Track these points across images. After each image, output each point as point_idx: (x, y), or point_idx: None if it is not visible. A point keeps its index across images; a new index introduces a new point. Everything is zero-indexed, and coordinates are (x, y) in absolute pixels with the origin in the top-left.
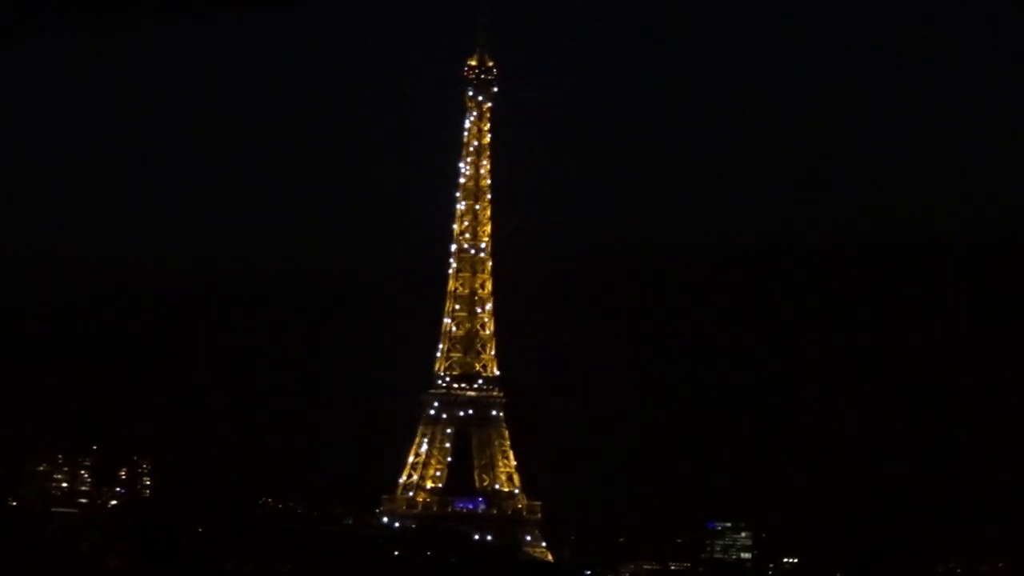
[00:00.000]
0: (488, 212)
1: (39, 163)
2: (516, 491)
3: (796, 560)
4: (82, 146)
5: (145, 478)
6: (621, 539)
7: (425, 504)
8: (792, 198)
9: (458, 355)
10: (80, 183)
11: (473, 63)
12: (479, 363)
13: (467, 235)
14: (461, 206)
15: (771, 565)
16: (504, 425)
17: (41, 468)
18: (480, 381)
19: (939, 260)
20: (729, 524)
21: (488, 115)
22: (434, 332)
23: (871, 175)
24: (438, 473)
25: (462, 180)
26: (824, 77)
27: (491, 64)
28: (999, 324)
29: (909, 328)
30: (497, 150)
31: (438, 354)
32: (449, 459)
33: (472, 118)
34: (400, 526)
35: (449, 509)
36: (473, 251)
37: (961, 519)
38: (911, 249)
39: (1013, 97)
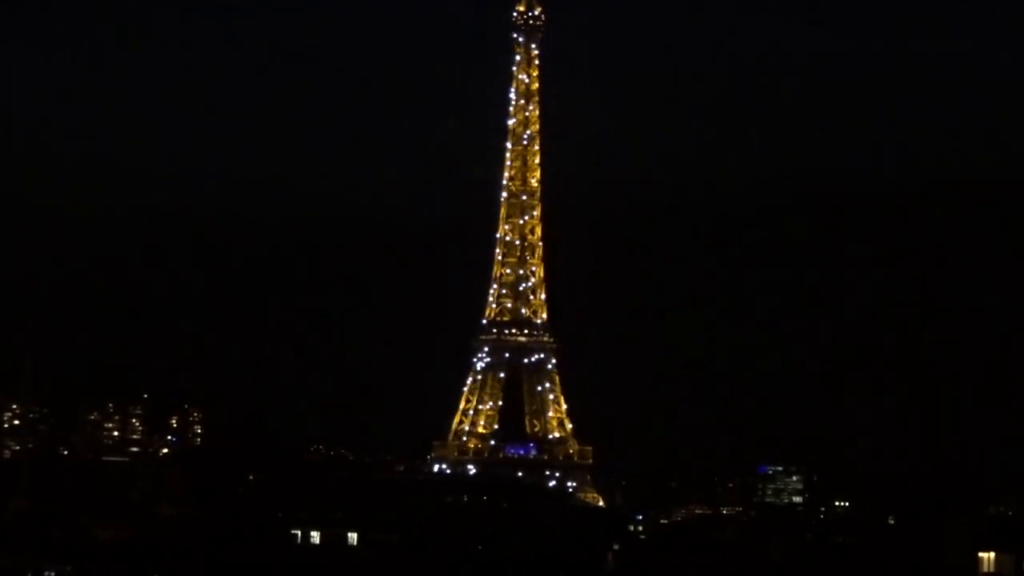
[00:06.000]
0: (537, 158)
1: (94, 119)
2: (567, 436)
3: (847, 504)
4: (152, 102)
5: (196, 426)
6: (672, 483)
7: (476, 450)
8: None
9: (508, 301)
10: (141, 135)
11: (521, 9)
12: (529, 309)
13: (516, 181)
14: (510, 152)
15: (822, 509)
16: (555, 371)
17: (92, 417)
18: (530, 327)
19: None
20: (780, 468)
21: (536, 61)
22: (484, 278)
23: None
24: (489, 419)
25: (510, 126)
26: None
27: (538, 10)
28: None
29: (971, 272)
30: (545, 96)
31: (488, 300)
32: (500, 405)
33: (520, 64)
34: (451, 472)
35: (500, 455)
36: (522, 197)
37: (1013, 461)
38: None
39: None
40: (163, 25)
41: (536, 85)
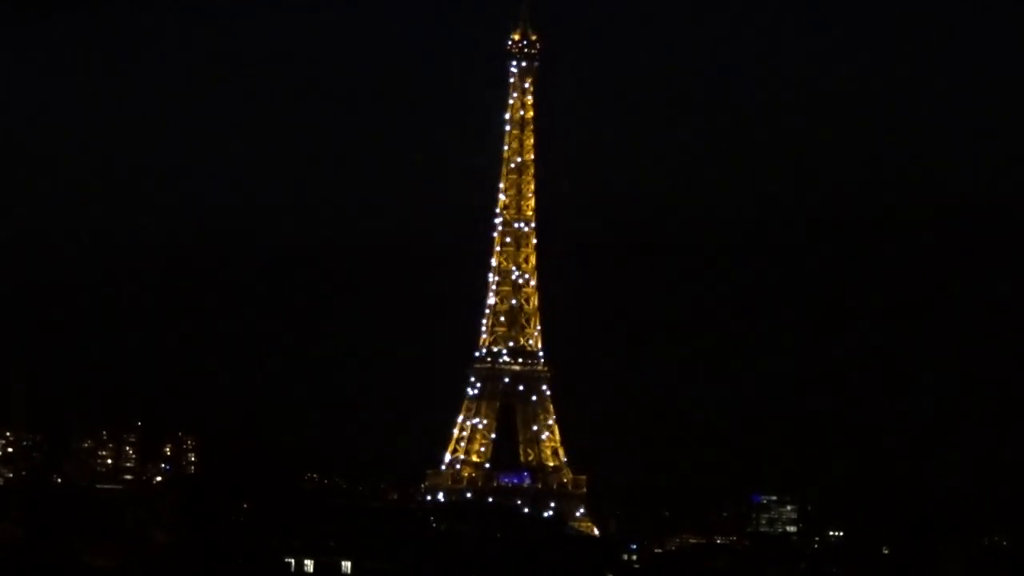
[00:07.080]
0: (532, 186)
1: (94, 120)
2: (561, 465)
3: (842, 533)
4: (152, 103)
5: (190, 454)
6: (666, 512)
7: (470, 479)
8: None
9: (502, 329)
10: (126, 160)
11: (516, 37)
12: (523, 337)
13: (511, 209)
14: (504, 180)
15: (817, 538)
16: (549, 399)
17: (86, 445)
18: (524, 355)
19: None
20: (775, 497)
21: (531, 89)
22: (478, 307)
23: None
24: (483, 448)
25: (505, 154)
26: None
27: (534, 38)
28: None
29: (956, 298)
30: (540, 124)
31: (482, 329)
32: (494, 434)
33: (515, 92)
34: (445, 501)
35: (494, 483)
36: (517, 225)
37: (1008, 491)
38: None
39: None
40: (163, 26)
41: (531, 114)
